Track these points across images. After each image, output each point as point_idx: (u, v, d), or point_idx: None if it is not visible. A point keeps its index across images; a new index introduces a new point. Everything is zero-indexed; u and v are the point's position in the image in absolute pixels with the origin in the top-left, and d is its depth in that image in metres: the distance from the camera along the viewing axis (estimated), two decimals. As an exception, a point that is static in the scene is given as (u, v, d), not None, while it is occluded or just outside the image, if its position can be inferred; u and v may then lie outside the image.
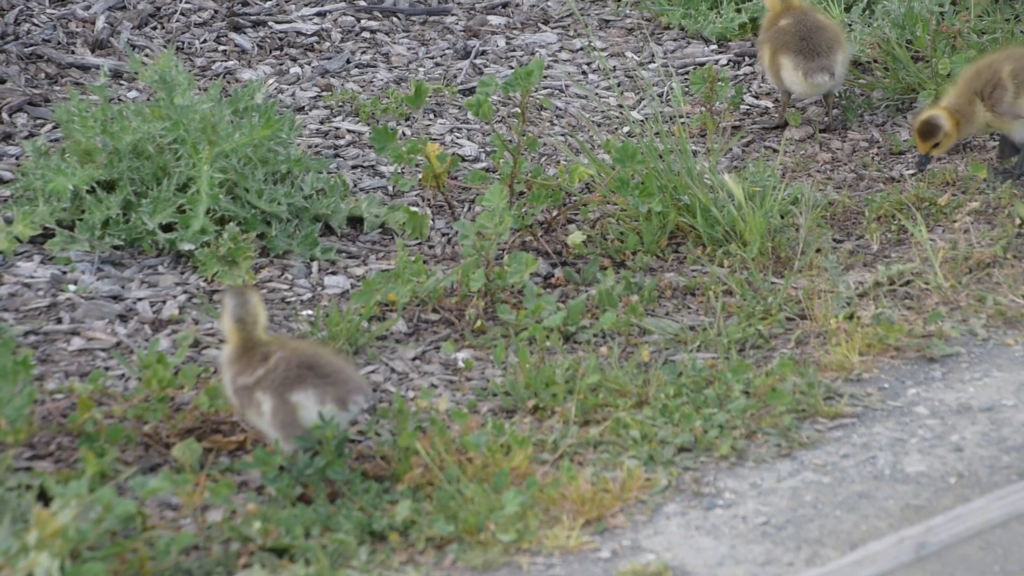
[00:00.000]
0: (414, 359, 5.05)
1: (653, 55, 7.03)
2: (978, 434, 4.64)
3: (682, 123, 6.33)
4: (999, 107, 5.86)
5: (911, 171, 6.15)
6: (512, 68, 6.90)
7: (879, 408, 4.77)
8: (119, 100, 6.47)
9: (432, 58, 7.02)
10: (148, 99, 6.42)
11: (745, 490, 4.42)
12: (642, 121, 6.44)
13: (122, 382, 4.86)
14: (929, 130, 5.82)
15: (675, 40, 7.19)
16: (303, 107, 6.56)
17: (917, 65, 6.58)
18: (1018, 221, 5.71)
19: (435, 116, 6.53)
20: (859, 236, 5.72)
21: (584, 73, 6.94)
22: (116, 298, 5.26)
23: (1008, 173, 6.03)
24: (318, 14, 7.29)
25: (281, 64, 6.90)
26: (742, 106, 6.63)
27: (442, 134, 6.40)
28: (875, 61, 6.68)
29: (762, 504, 4.36)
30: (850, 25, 6.81)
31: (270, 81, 6.72)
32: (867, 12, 6.97)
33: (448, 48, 7.08)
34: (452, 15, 7.37)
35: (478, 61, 6.99)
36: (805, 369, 4.85)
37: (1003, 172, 6.04)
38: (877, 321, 5.11)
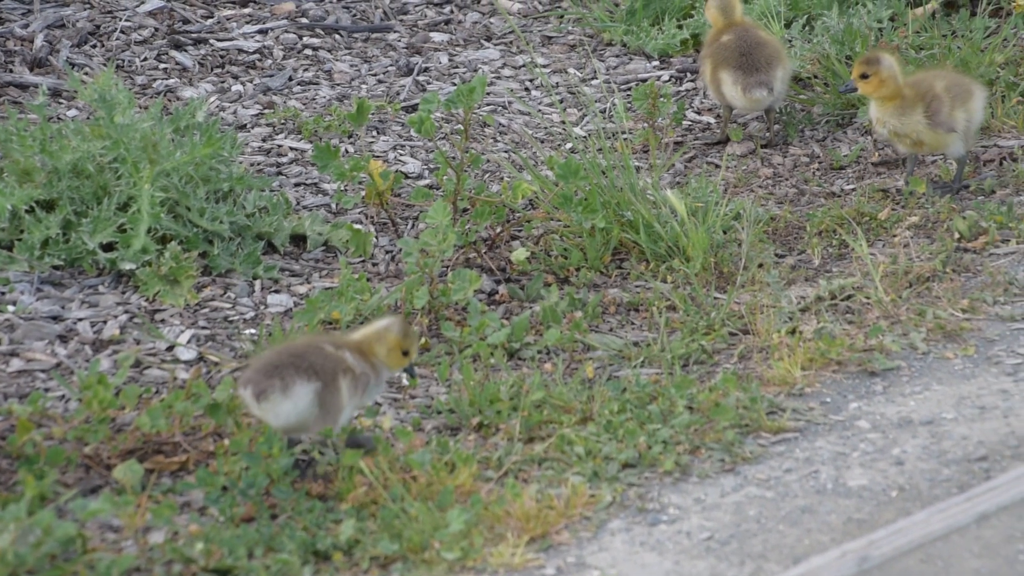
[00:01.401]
0: (358, 377, 5.03)
1: (595, 71, 7.05)
2: (919, 447, 4.67)
3: (625, 139, 6.34)
4: (936, 117, 5.91)
5: (851, 185, 6.19)
6: (455, 85, 6.89)
7: (821, 422, 4.79)
8: (58, 119, 6.42)
9: (375, 75, 7.01)
10: (88, 118, 6.37)
11: (689, 505, 4.42)
12: (585, 137, 6.45)
13: (62, 403, 4.82)
14: (868, 60, 5.87)
15: (617, 56, 7.21)
16: (245, 125, 6.53)
17: (857, 81, 6.63)
18: (957, 235, 5.76)
19: (378, 133, 6.52)
20: (801, 251, 5.75)
21: (527, 89, 6.94)
22: (56, 318, 5.22)
23: (947, 188, 6.08)
24: (260, 31, 7.26)
25: (223, 82, 6.87)
26: (684, 122, 6.65)
27: (385, 151, 6.39)
28: (815, 77, 6.73)
29: (706, 519, 4.37)
30: (790, 41, 6.85)
31: (212, 99, 6.69)
32: (807, 28, 7.02)
33: (391, 65, 7.07)
34: (395, 32, 7.36)
35: (421, 78, 6.98)
36: (748, 384, 4.87)
37: (942, 187, 6.09)
38: (819, 335, 5.14)
